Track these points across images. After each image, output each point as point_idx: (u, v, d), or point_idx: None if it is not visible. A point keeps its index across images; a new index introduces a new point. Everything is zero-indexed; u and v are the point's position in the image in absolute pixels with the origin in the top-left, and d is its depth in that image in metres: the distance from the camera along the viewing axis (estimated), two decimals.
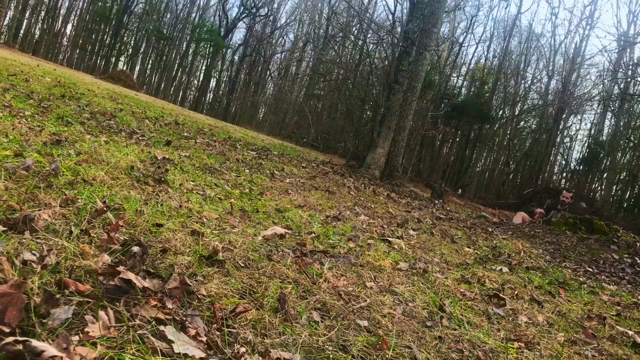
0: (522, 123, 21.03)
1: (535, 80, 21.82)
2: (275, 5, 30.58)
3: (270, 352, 0.99)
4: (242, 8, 29.87)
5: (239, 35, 32.77)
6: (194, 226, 1.69)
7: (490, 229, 4.14)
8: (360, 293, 1.51)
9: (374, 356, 1.13)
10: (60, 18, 28.39)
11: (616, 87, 18.98)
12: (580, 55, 20.30)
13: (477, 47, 31.24)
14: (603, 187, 18.92)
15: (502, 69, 21.42)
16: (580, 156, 20.49)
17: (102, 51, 29.03)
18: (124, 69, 25.82)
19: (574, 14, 37.01)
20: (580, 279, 2.77)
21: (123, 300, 0.99)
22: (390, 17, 10.15)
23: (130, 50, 29.73)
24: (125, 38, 29.81)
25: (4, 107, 2.93)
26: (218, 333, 1.01)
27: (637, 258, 3.65)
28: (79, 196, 1.59)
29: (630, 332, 1.79)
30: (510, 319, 1.67)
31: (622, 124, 18.63)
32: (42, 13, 27.83)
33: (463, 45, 22.96)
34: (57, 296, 0.91)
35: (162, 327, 0.92)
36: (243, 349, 0.97)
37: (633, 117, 18.58)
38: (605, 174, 18.55)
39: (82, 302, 0.94)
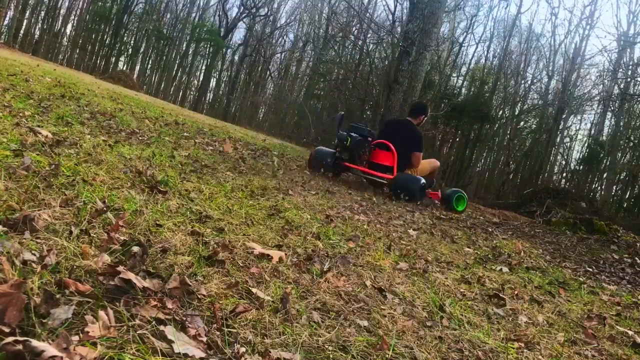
0: (522, 123, 21.03)
1: (535, 80, 21.84)
2: (275, 5, 30.61)
3: (270, 352, 0.99)
4: (242, 8, 29.90)
5: (239, 35, 32.80)
6: (194, 226, 1.69)
7: (490, 229, 4.14)
8: (360, 293, 1.51)
9: (374, 356, 1.13)
10: (60, 18, 28.43)
11: (616, 87, 18.98)
12: (580, 55, 20.32)
13: (477, 47, 31.25)
14: (603, 187, 18.93)
15: (502, 69, 21.42)
16: (580, 156, 20.50)
17: (102, 51, 29.04)
18: (124, 69, 25.83)
19: (574, 14, 37.04)
20: (580, 279, 2.77)
21: (123, 300, 0.99)
22: (390, 17, 10.15)
23: (130, 50, 29.75)
24: (125, 38, 29.83)
25: (4, 107, 2.93)
26: (218, 333, 1.01)
27: (637, 258, 3.65)
28: (79, 196, 1.59)
29: (630, 332, 1.79)
30: (510, 319, 1.67)
31: (622, 124, 18.63)
32: (42, 13, 27.88)
33: (463, 45, 22.98)
34: (57, 296, 0.91)
35: (162, 327, 0.92)
36: (243, 349, 0.97)
37: (633, 117, 18.58)
38: (605, 174, 18.55)
39: (82, 302, 0.94)
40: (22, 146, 2.02)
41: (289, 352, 1.02)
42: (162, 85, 30.49)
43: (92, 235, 1.31)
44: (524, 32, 22.91)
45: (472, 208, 7.40)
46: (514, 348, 1.39)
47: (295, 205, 2.73)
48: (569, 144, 21.69)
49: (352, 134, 4.90)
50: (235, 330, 1.04)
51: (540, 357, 1.38)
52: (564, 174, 20.70)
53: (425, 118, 5.45)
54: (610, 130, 19.87)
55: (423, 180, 4.78)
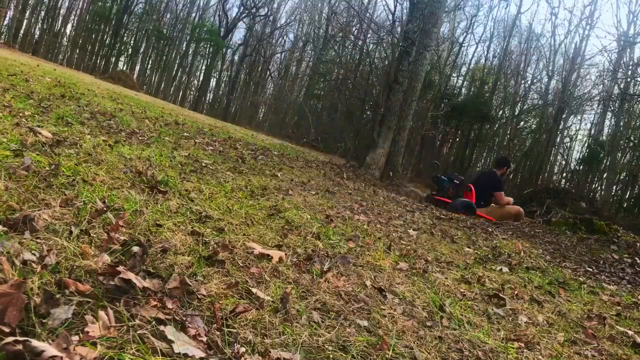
0: (522, 123, 21.03)
1: (535, 80, 21.83)
2: (275, 5, 30.57)
3: (270, 352, 0.99)
4: (242, 8, 29.87)
5: (239, 35, 32.78)
6: (194, 226, 1.69)
7: (490, 229, 4.14)
8: (360, 293, 1.51)
9: (374, 356, 1.13)
10: (60, 18, 28.40)
11: (616, 87, 18.97)
12: (580, 55, 20.31)
13: (477, 47, 31.29)
14: (603, 187, 18.91)
15: (502, 69, 21.42)
16: (580, 156, 20.48)
17: (102, 51, 29.01)
18: (124, 69, 25.80)
19: (574, 14, 37.02)
20: (580, 279, 2.77)
21: (123, 300, 0.99)
22: (390, 17, 10.14)
23: (130, 50, 29.71)
24: (125, 38, 29.79)
25: (4, 107, 2.93)
26: (218, 333, 1.01)
27: (637, 258, 3.65)
28: (79, 196, 1.59)
29: (630, 332, 1.79)
30: (510, 319, 1.67)
31: (622, 124, 18.62)
32: (42, 13, 27.85)
33: (463, 45, 22.99)
34: (57, 296, 0.92)
35: (162, 327, 0.92)
36: (243, 349, 0.97)
37: (633, 117, 18.57)
38: (605, 174, 18.54)
39: (82, 302, 0.94)
40: (22, 146, 2.02)
41: (289, 352, 1.02)
42: (162, 85, 30.48)
43: (92, 235, 1.31)
44: (524, 32, 22.93)
45: None
46: (514, 348, 1.39)
47: (295, 205, 2.73)
48: (569, 144, 21.69)
49: (443, 177, 7.13)
50: (235, 330, 1.04)
51: (540, 357, 1.38)
52: (564, 174, 20.70)
53: (508, 169, 7.30)
54: (610, 130, 19.87)
55: (468, 202, 6.13)
